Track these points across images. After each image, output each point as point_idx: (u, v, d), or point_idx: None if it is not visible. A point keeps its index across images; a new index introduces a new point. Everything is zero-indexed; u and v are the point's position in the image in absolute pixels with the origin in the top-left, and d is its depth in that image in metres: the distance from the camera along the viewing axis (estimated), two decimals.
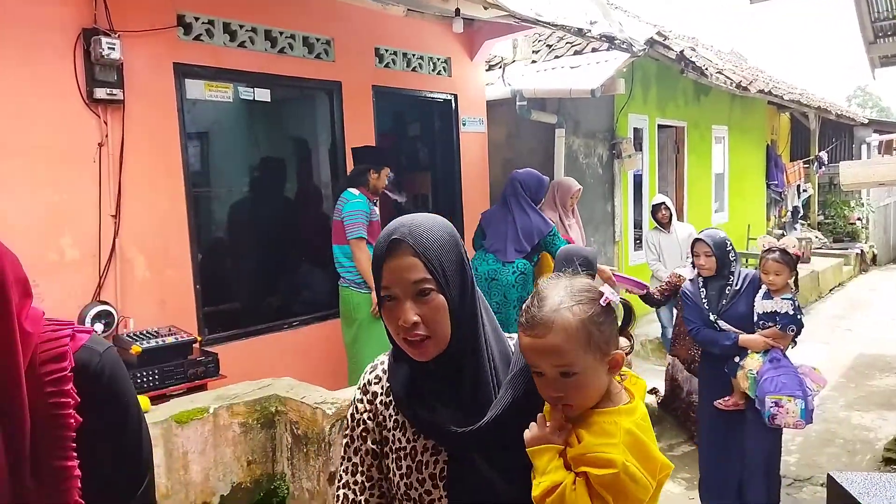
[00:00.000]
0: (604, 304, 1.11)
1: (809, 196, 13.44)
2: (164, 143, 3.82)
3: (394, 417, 1.23)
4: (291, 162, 5.83)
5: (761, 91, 9.60)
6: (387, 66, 5.18)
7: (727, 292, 3.44)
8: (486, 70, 6.49)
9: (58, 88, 3.38)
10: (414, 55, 5.37)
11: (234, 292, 5.09)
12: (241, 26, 4.19)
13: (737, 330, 3.37)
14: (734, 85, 8.65)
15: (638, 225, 8.00)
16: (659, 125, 8.23)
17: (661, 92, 8.12)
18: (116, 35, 3.50)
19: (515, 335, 1.22)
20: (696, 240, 3.50)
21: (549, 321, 1.08)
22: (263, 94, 4.43)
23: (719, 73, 8.45)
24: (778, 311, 3.24)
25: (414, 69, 5.39)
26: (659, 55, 6.87)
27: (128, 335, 3.44)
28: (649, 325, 6.59)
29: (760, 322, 3.31)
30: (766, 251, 3.32)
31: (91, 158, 3.50)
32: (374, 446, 1.26)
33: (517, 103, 6.11)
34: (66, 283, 3.41)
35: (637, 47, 5.80)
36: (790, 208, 12.63)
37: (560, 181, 5.41)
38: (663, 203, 5.88)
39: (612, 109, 7.18)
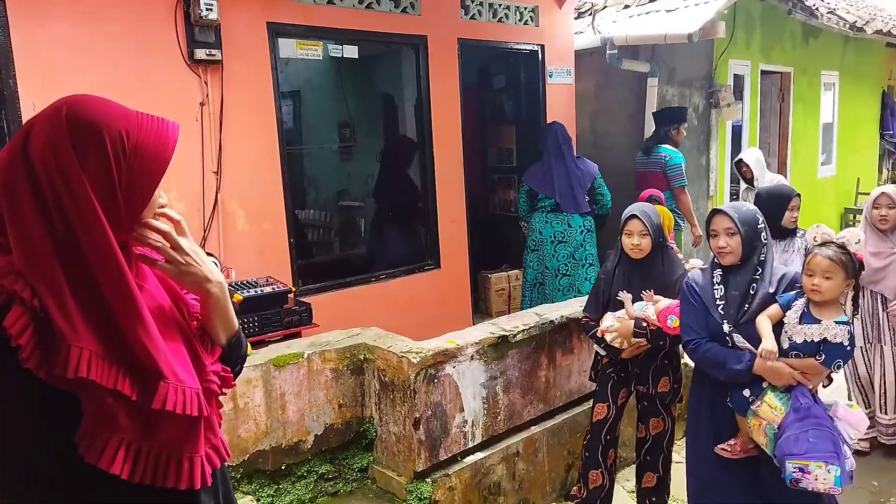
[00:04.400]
0: None
1: None
2: (259, 102, 3.97)
3: None
4: (378, 118, 5.93)
5: (879, 31, 8.76)
6: (472, 17, 5.11)
7: (752, 292, 2.47)
8: (575, 18, 6.27)
9: (162, 50, 3.57)
10: (500, 5, 5.26)
11: (325, 246, 5.31)
12: None
13: (754, 350, 2.41)
14: (848, 26, 7.95)
15: (735, 179, 7.61)
16: (762, 71, 7.70)
17: (765, 35, 7.57)
18: None
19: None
20: (715, 211, 2.59)
21: None
22: (351, 51, 4.49)
23: (831, 12, 7.79)
24: (829, 338, 2.30)
25: (500, 20, 5.29)
26: None
27: (230, 284, 3.68)
28: None
29: (792, 352, 2.37)
30: (817, 246, 2.45)
31: (194, 117, 3.70)
32: None
33: (607, 52, 5.89)
34: None
35: None
36: None
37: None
38: (742, 159, 5.50)
39: (711, 55, 6.78)
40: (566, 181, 4.91)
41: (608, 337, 2.96)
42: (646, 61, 6.19)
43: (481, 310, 5.57)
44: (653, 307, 2.84)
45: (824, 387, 2.49)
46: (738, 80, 7.34)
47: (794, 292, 2.44)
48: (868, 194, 9.84)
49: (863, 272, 3.71)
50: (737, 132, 7.55)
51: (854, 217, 9.64)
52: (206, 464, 1.15)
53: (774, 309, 2.44)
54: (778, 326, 2.40)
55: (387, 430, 3.11)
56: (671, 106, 5.37)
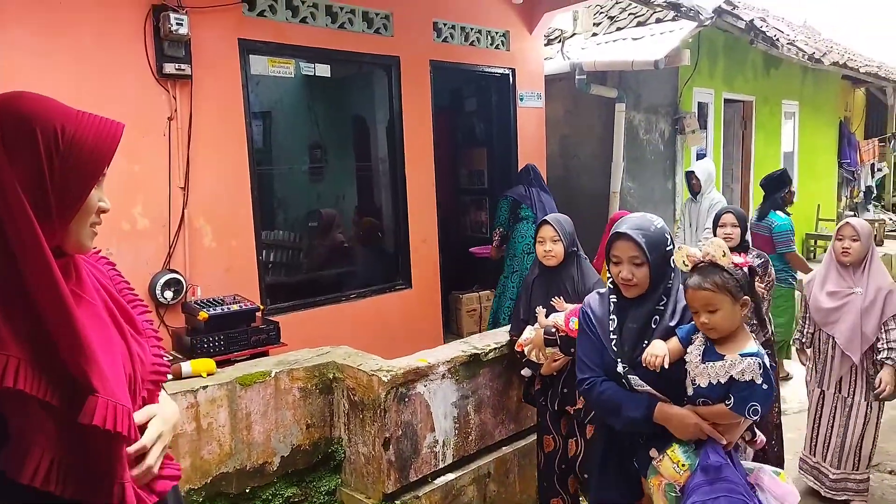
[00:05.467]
0: None
1: (884, 176, 12.76)
2: (229, 118, 3.93)
3: None
4: (349, 139, 5.92)
5: (835, 63, 9.11)
6: (444, 40, 5.16)
7: (653, 326, 2.04)
8: (545, 44, 6.39)
9: (130, 63, 3.52)
10: (472, 29, 5.33)
11: (294, 266, 5.23)
12: (303, 2, 4.24)
13: (656, 393, 1.98)
14: (807, 57, 8.25)
15: None
16: (725, 99, 7.93)
17: (728, 65, 7.81)
18: (184, 11, 3.61)
19: None
20: (618, 235, 2.08)
21: None
22: (324, 70, 4.48)
23: (791, 44, 8.08)
24: (735, 377, 1.86)
25: (472, 43, 5.35)
26: (727, 25, 6.62)
27: (195, 302, 3.59)
28: None
29: (699, 399, 1.95)
30: (687, 275, 2.03)
31: (161, 131, 3.64)
32: None
33: (576, 77, 6.00)
34: (138, 251, 3.58)
35: (704, 15, 5.59)
36: (863, 188, 12.02)
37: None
38: (693, 171, 5.69)
39: (676, 82, 6.96)
40: (542, 210, 5.13)
41: (526, 350, 2.92)
42: (613, 87, 6.32)
43: (452, 330, 5.54)
44: (563, 314, 2.76)
45: (748, 444, 2.10)
46: (703, 107, 7.53)
47: (693, 323, 2.03)
48: (829, 220, 10.06)
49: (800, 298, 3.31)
50: (701, 159, 7.73)
51: (815, 242, 9.91)
52: (140, 493, 1.08)
53: (673, 343, 2.00)
54: (682, 365, 1.99)
55: (356, 451, 3.04)
56: (773, 172, 5.45)
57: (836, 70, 9.52)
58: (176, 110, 3.69)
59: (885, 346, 3.22)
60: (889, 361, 3.21)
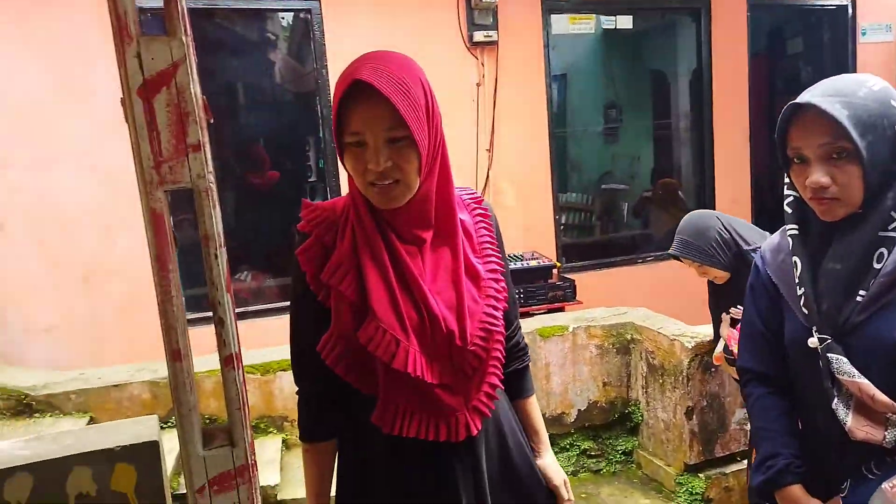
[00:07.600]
0: None
1: None
2: (531, 82, 4.03)
3: None
4: (647, 96, 5.64)
5: None
6: None
7: (877, 265, 1.11)
8: None
9: (445, 34, 3.81)
10: None
11: (588, 228, 5.22)
12: None
13: (875, 391, 1.09)
14: None
15: None
16: None
17: None
18: None
19: None
20: (794, 108, 1.20)
21: None
22: (625, 22, 4.32)
23: None
24: None
25: None
26: None
27: None
28: None
29: None
30: None
31: (471, 97, 3.89)
32: None
33: None
34: None
35: None
36: None
37: None
38: None
39: None
40: None
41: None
42: None
43: None
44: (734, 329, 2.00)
45: None
46: None
47: None
48: None
49: None
50: None
51: None
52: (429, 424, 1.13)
53: None
54: None
55: (654, 416, 2.93)
56: None
57: None
58: (483, 76, 3.90)
59: None
60: None
